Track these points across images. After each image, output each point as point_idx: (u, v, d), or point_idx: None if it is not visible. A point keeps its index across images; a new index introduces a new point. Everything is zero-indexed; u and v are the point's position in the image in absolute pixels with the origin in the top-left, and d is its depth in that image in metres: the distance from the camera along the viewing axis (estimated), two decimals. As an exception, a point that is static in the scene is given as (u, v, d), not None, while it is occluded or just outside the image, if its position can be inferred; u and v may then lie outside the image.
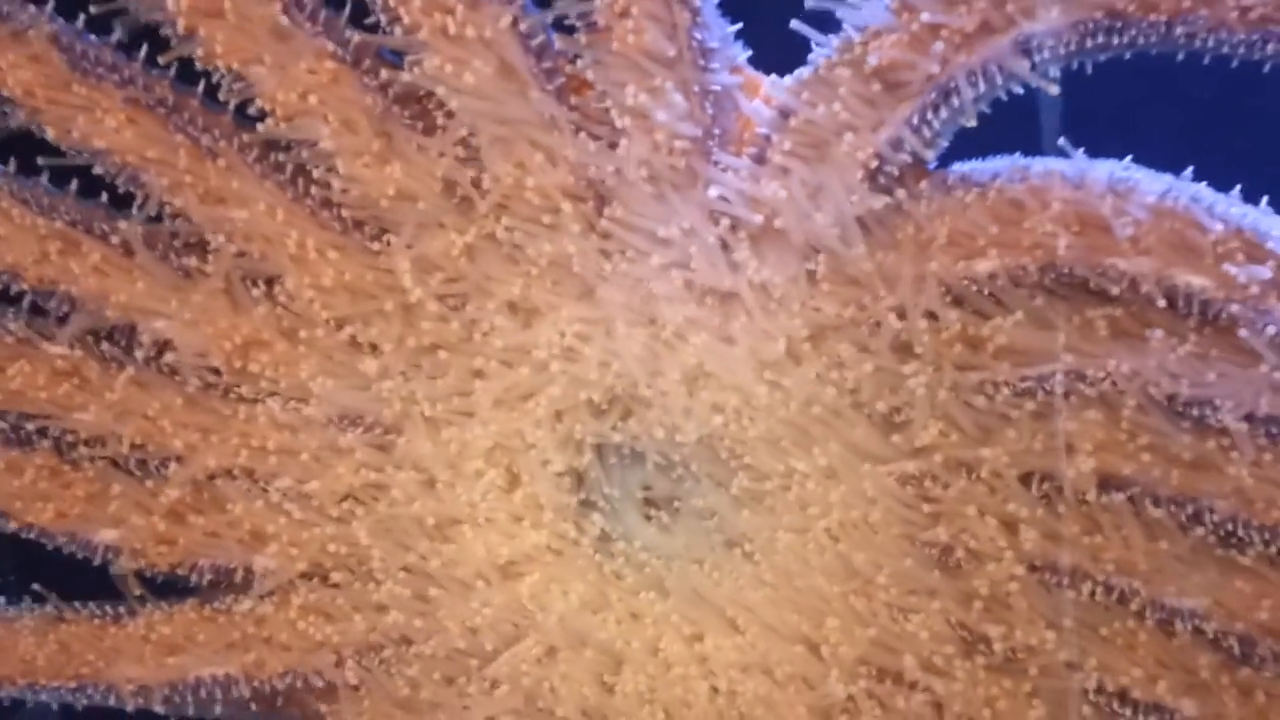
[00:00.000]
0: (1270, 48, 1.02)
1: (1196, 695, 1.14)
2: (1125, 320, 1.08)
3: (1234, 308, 1.04)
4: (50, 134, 1.23)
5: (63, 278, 1.26)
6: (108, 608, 1.38)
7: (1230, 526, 1.12)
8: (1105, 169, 1.07)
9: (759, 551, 1.21)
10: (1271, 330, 1.04)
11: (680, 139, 1.11)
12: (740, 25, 1.14)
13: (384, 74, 1.16)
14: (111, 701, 1.41)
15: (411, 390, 1.23)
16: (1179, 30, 1.02)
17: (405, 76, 1.15)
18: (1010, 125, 1.11)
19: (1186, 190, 1.06)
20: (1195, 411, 1.08)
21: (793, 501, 1.19)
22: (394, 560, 1.29)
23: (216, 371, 1.28)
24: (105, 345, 1.31)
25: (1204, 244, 1.04)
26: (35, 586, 1.43)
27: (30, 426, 1.34)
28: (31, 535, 1.38)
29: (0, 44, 1.20)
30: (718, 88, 1.11)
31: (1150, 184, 1.05)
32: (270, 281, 1.24)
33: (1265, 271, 1.03)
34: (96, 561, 1.36)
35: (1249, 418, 1.09)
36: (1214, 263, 1.03)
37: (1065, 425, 1.12)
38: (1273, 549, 1.10)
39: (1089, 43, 1.04)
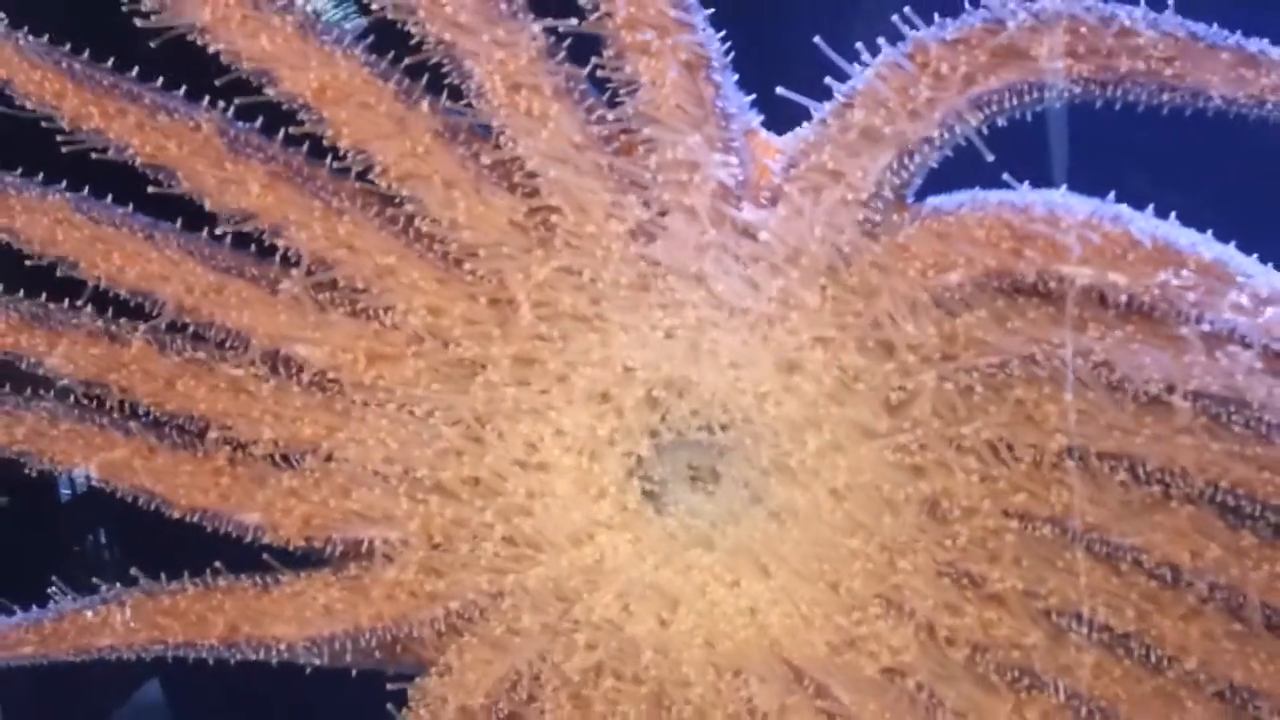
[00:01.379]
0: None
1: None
2: (1065, 313, 1.30)
3: (1156, 303, 1.31)
4: (208, 203, 1.44)
5: (220, 313, 1.49)
6: (257, 577, 1.56)
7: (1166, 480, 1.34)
8: (1045, 196, 1.29)
9: (783, 511, 1.43)
10: (1187, 320, 1.29)
11: (711, 183, 1.36)
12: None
13: (475, 146, 1.40)
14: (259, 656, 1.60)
15: (503, 394, 1.46)
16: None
17: (507, 150, 1.39)
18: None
19: (1110, 209, 1.27)
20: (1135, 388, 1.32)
21: (808, 470, 1.41)
22: (490, 529, 1.49)
23: (338, 383, 1.50)
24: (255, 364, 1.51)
25: (1127, 251, 1.27)
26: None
27: (191, 428, 1.54)
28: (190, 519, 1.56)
29: (179, 133, 1.43)
30: (737, 143, 1.35)
31: (1081, 205, 1.28)
32: (388, 309, 1.46)
33: (1181, 273, 1.29)
34: (248, 540, 1.55)
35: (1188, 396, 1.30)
36: (1138, 266, 1.27)
37: (1023, 397, 1.36)
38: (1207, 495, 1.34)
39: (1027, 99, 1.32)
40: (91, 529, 2.32)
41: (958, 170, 1.35)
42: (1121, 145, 1.51)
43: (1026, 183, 1.31)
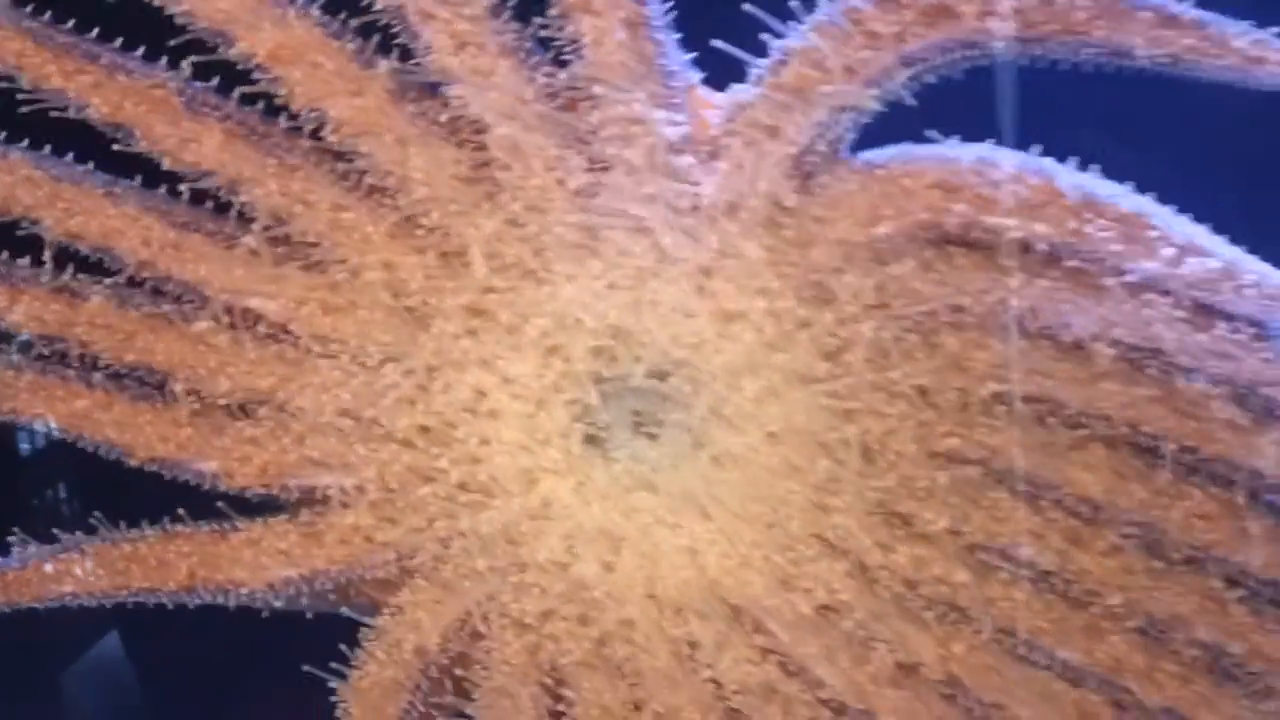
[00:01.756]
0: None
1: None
2: (991, 263, 1.37)
3: (1079, 253, 1.37)
4: (166, 161, 1.49)
5: (177, 268, 1.54)
6: (215, 524, 1.60)
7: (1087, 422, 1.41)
8: (973, 150, 1.35)
9: (722, 455, 1.49)
10: (1109, 270, 1.34)
11: (653, 138, 1.41)
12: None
13: (425, 104, 1.45)
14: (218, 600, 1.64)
15: (453, 344, 1.51)
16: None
17: (455, 105, 1.44)
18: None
19: (1035, 163, 1.33)
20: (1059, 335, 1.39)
21: (745, 415, 1.47)
22: (442, 475, 1.55)
23: (293, 335, 1.55)
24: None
25: (1051, 203, 1.32)
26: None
27: (150, 380, 1.58)
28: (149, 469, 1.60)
29: (136, 91, 1.48)
30: (678, 100, 1.41)
31: (1008, 159, 1.34)
32: (342, 263, 1.51)
33: (1102, 224, 1.35)
34: (205, 487, 1.60)
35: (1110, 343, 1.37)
36: (1062, 218, 1.32)
37: (951, 343, 1.42)
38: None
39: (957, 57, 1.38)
40: (51, 482, 2.35)
41: (907, 128, 1.39)
42: (1076, 103, 1.55)
43: (957, 138, 1.37)
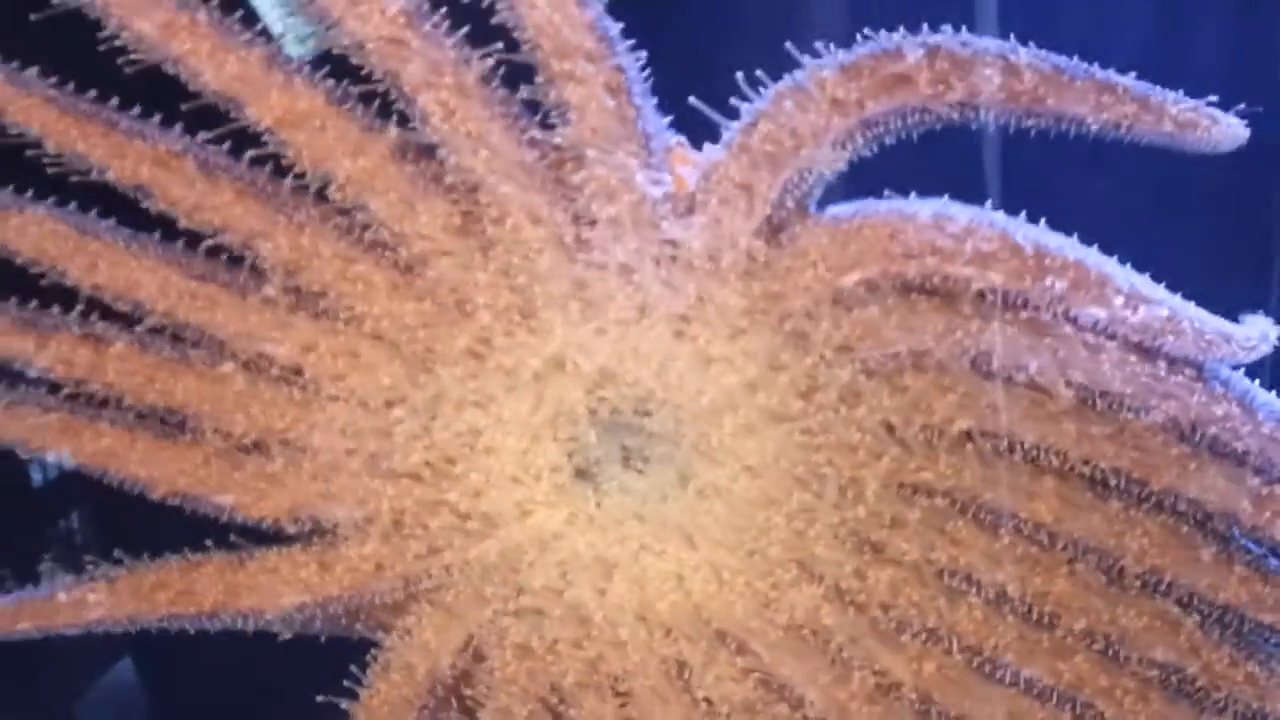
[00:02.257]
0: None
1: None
2: (950, 309, 1.47)
3: (1031, 300, 1.44)
4: (182, 220, 1.60)
5: (194, 316, 1.64)
6: (231, 554, 1.70)
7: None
8: (930, 204, 1.45)
9: (705, 487, 1.59)
10: (1060, 316, 1.44)
11: (635, 195, 1.51)
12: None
13: (424, 163, 1.56)
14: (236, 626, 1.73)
15: (452, 385, 1.61)
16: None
17: (450, 165, 1.54)
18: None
19: (988, 216, 1.44)
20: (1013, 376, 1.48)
21: (725, 450, 1.57)
22: (444, 508, 1.64)
23: (304, 377, 1.64)
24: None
25: (1005, 254, 1.43)
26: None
27: (170, 419, 1.68)
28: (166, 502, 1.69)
29: (153, 156, 1.59)
30: (658, 160, 1.51)
31: (962, 212, 1.44)
32: (348, 310, 1.61)
33: (1054, 273, 1.43)
34: (223, 520, 1.69)
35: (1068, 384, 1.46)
36: (1014, 267, 1.43)
37: (912, 384, 1.52)
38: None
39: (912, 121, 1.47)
40: (64, 513, 2.45)
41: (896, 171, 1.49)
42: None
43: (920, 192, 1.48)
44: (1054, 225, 1.46)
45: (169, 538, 1.74)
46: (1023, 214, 1.45)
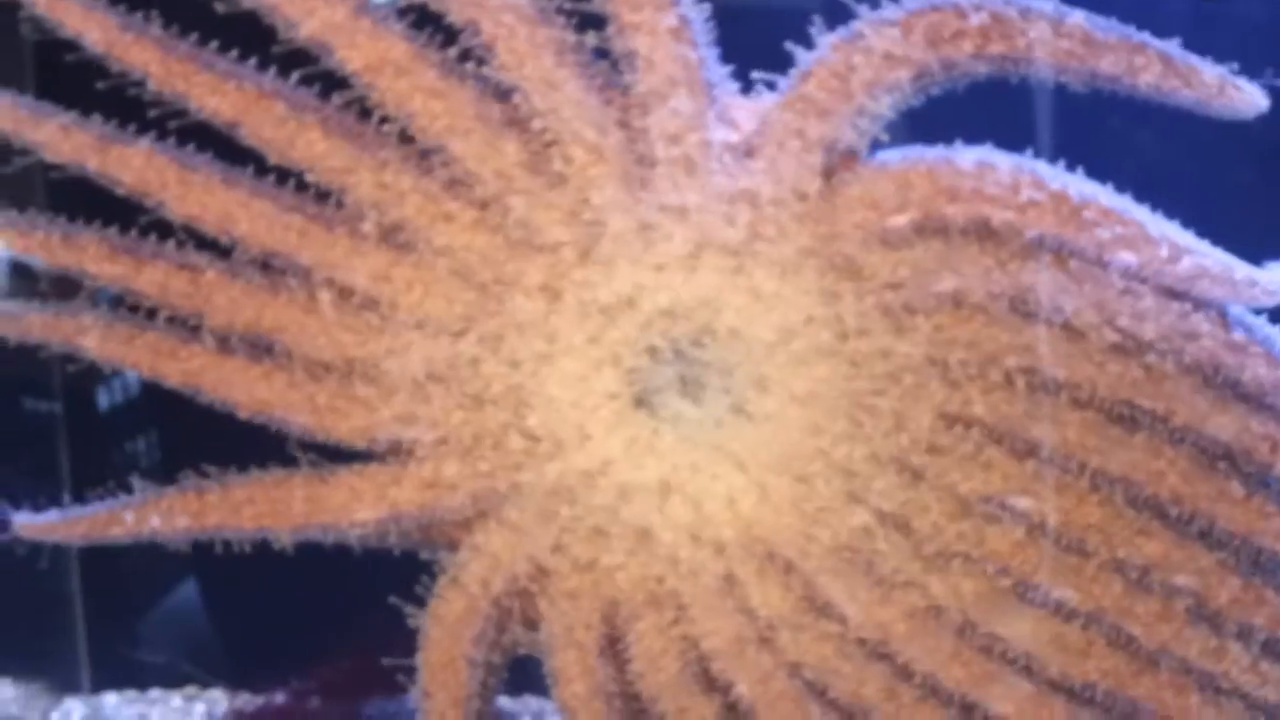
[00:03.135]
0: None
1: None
2: (992, 252, 1.58)
3: (1074, 245, 1.55)
4: (272, 157, 1.72)
5: (282, 246, 1.75)
6: (315, 469, 1.80)
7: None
8: (974, 152, 1.56)
9: (757, 415, 1.69)
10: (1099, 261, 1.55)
11: (698, 138, 1.62)
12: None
13: (500, 105, 1.66)
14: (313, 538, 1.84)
15: (523, 315, 1.71)
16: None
17: (523, 109, 1.65)
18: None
19: (1031, 164, 1.54)
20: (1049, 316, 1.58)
21: (777, 381, 1.67)
22: (512, 431, 1.74)
23: (382, 305, 1.74)
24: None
25: (1048, 201, 1.53)
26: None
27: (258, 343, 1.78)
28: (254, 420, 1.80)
29: (248, 96, 1.70)
30: (719, 106, 1.62)
31: (1004, 161, 1.55)
32: (427, 243, 1.71)
33: (1096, 221, 1.53)
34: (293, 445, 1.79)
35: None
36: (1051, 213, 1.54)
37: (958, 323, 1.62)
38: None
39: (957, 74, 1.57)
40: (131, 436, 2.56)
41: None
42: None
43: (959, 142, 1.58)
44: (1099, 175, 1.56)
45: (229, 465, 1.85)
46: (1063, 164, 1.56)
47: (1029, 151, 1.57)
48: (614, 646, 1.81)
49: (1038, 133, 1.62)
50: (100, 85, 1.74)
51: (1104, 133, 1.74)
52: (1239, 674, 1.65)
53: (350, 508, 1.81)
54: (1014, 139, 1.59)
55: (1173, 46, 1.48)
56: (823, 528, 1.72)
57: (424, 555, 1.87)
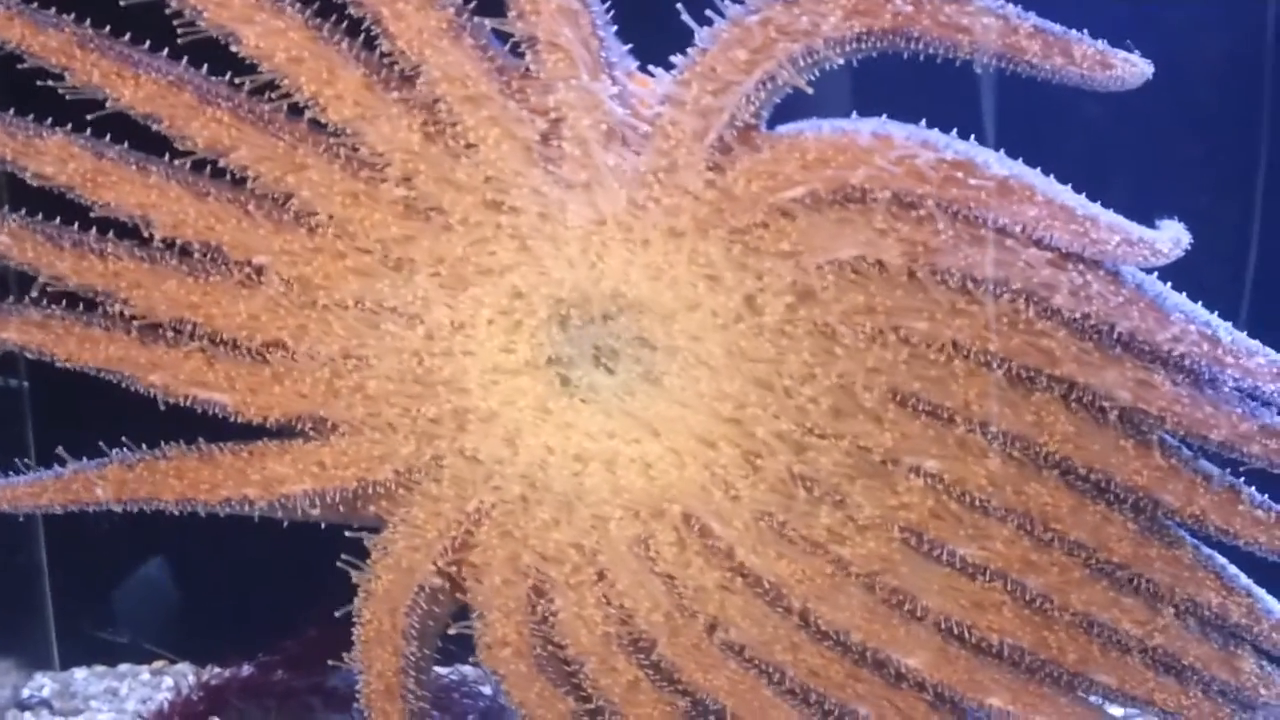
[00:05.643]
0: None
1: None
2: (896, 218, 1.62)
3: (962, 207, 1.59)
4: (188, 144, 1.76)
5: (200, 232, 1.79)
6: (241, 446, 1.84)
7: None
8: (870, 123, 1.60)
9: (668, 383, 1.73)
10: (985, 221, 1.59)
11: (600, 115, 1.66)
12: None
13: (406, 92, 1.71)
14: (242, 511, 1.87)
15: (434, 293, 1.75)
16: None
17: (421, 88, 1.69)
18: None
19: (923, 133, 1.58)
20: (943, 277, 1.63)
21: (686, 350, 1.71)
22: (430, 405, 1.78)
23: (298, 287, 1.79)
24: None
25: (935, 166, 1.58)
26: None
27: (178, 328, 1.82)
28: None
29: (162, 86, 1.74)
30: (620, 85, 1.65)
31: (899, 131, 1.59)
32: (340, 225, 1.75)
33: (981, 182, 1.59)
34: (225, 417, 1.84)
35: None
36: (943, 177, 1.58)
37: (856, 289, 1.66)
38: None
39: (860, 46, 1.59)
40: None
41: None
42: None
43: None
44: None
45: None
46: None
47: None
48: (539, 611, 1.86)
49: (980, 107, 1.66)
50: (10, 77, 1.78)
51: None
52: (1134, 626, 1.71)
53: (277, 482, 1.85)
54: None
55: (1050, 23, 1.52)
56: (734, 491, 1.77)
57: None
